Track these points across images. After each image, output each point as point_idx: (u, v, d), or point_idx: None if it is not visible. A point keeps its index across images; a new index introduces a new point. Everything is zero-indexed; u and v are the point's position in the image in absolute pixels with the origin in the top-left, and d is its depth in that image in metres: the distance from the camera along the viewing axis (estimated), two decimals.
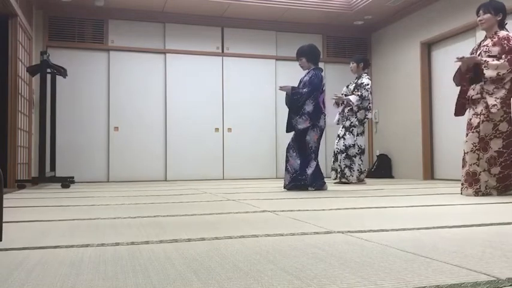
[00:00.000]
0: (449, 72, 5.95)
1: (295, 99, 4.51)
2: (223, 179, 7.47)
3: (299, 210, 2.59)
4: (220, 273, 1.14)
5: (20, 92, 5.87)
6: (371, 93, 5.92)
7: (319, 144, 4.59)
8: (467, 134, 3.66)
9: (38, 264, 1.27)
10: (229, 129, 7.60)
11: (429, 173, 6.95)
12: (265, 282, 1.05)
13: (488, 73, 3.49)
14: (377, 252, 1.38)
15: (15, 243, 1.60)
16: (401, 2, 6.89)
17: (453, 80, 3.90)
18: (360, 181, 5.73)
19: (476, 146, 3.57)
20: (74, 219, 2.29)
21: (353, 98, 5.78)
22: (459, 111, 3.90)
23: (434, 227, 1.89)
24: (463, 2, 6.15)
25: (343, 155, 5.74)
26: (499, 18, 3.67)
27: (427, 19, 6.86)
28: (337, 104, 5.97)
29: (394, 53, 7.66)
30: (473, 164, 3.58)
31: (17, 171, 5.71)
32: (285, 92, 4.65)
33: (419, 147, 7.03)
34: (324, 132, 4.66)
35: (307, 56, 4.67)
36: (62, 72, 5.93)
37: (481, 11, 3.70)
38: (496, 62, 3.49)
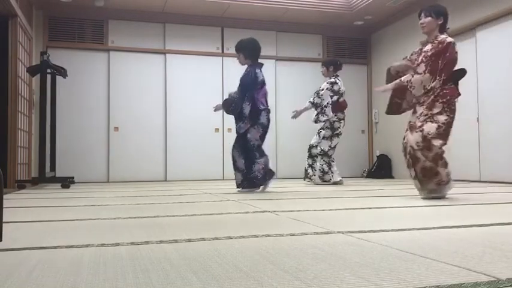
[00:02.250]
0: None
1: (232, 108, 4.40)
2: (223, 179, 7.47)
3: (299, 211, 2.59)
4: (220, 274, 1.14)
5: (20, 92, 5.88)
6: (334, 94, 5.73)
7: (264, 140, 4.48)
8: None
9: (38, 264, 1.27)
10: (229, 129, 7.58)
11: None
12: (265, 283, 1.05)
13: (416, 92, 3.50)
14: (377, 252, 1.38)
15: (15, 243, 1.60)
16: (401, 2, 6.89)
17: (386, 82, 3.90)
18: (324, 181, 5.68)
19: (419, 146, 3.53)
20: (74, 219, 2.29)
21: (307, 106, 5.88)
22: (394, 110, 3.93)
23: (434, 227, 1.89)
24: (463, 2, 6.14)
25: (308, 153, 5.90)
26: (440, 22, 3.61)
27: None
28: (295, 117, 5.99)
29: (394, 53, 7.65)
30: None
31: (17, 172, 5.71)
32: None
33: None
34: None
35: (244, 51, 4.50)
36: (62, 72, 5.92)
37: (422, 14, 3.67)
38: (418, 77, 3.47)
